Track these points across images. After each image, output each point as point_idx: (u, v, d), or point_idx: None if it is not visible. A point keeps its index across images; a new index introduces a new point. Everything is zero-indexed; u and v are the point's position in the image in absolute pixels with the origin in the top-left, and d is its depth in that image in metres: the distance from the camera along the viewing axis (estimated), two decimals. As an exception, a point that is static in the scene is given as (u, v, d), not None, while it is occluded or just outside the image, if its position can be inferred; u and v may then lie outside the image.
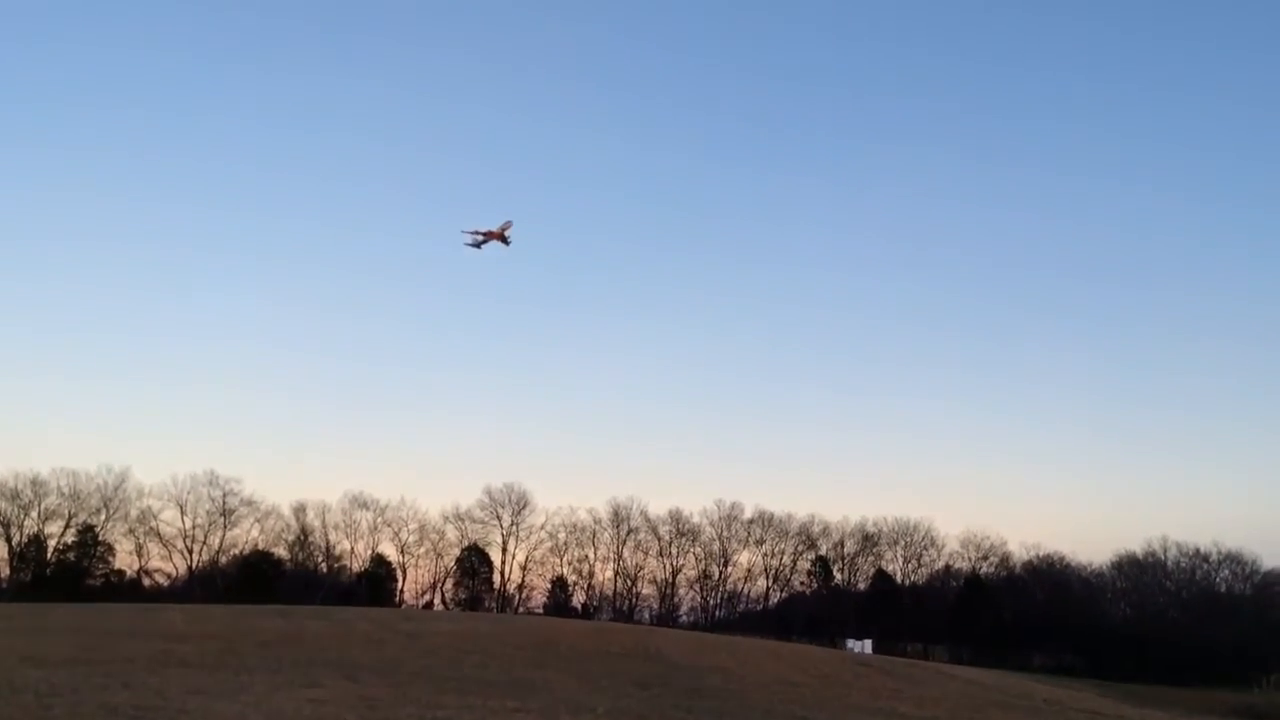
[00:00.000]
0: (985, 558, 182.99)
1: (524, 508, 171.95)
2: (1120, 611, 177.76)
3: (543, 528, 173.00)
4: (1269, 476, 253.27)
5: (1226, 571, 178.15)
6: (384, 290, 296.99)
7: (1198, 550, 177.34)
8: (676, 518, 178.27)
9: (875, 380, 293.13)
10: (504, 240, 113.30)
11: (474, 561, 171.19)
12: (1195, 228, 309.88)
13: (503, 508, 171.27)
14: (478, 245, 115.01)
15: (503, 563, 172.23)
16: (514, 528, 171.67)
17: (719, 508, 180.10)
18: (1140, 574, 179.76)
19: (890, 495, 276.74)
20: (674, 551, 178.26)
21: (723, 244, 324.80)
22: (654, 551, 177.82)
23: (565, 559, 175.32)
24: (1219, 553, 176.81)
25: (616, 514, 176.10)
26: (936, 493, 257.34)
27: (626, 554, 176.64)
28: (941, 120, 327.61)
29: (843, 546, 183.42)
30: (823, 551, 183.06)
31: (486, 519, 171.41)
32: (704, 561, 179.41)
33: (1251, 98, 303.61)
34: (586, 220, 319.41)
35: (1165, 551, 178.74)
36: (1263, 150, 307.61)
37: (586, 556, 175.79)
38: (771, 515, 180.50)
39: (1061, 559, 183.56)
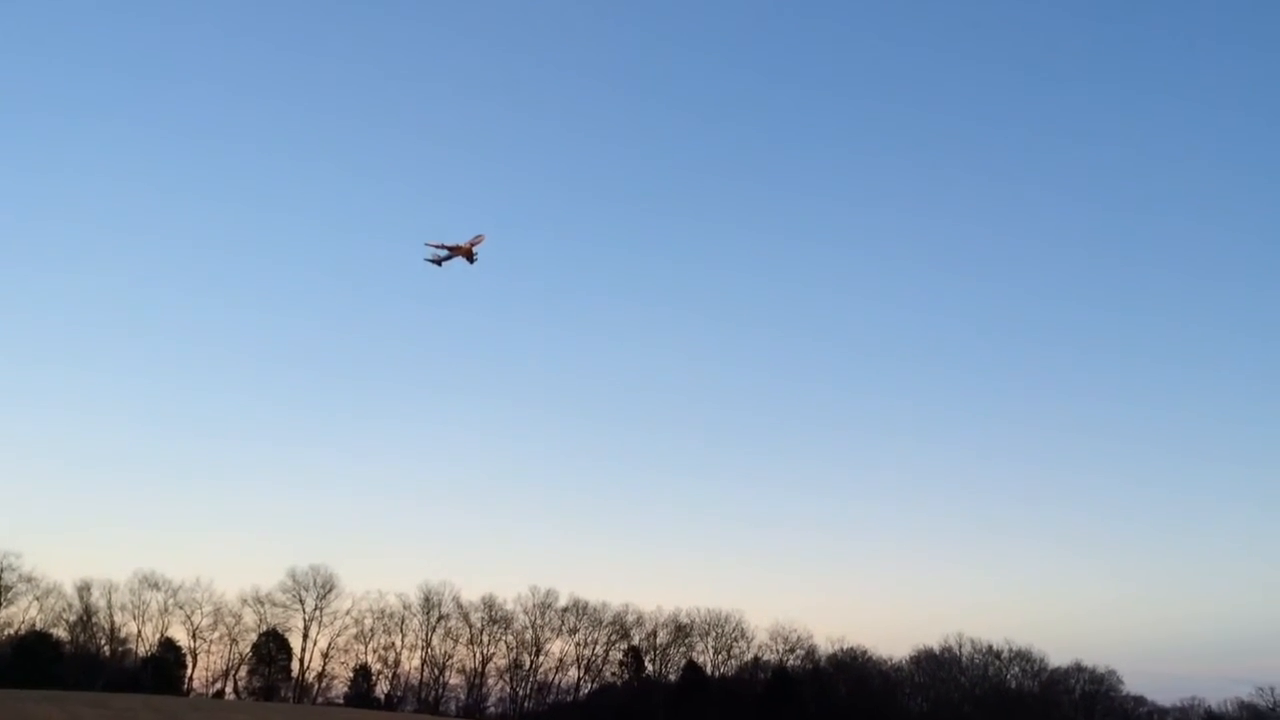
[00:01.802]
0: (793, 650, 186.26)
1: (330, 591, 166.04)
2: (918, 706, 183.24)
3: (348, 613, 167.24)
4: (1055, 577, 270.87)
5: (1017, 668, 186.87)
6: (185, 357, 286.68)
7: (990, 647, 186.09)
8: (490, 604, 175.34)
9: (691, 469, 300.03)
10: (469, 258, 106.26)
11: (272, 648, 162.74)
12: (977, 359, 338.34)
13: (306, 591, 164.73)
14: (438, 262, 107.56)
15: (303, 650, 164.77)
16: (318, 612, 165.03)
17: (534, 594, 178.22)
18: (937, 669, 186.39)
19: (704, 585, 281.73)
20: (485, 639, 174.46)
21: (530, 340, 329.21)
22: (464, 639, 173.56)
23: (370, 646, 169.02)
24: (1010, 650, 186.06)
25: (428, 599, 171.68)
26: (748, 584, 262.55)
27: (436, 641, 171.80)
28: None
29: (655, 636, 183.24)
30: (635, 641, 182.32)
31: (288, 603, 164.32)
32: (516, 650, 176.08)
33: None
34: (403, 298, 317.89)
35: (961, 647, 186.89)
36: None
37: (393, 644, 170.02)
38: (586, 604, 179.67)
39: (864, 652, 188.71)
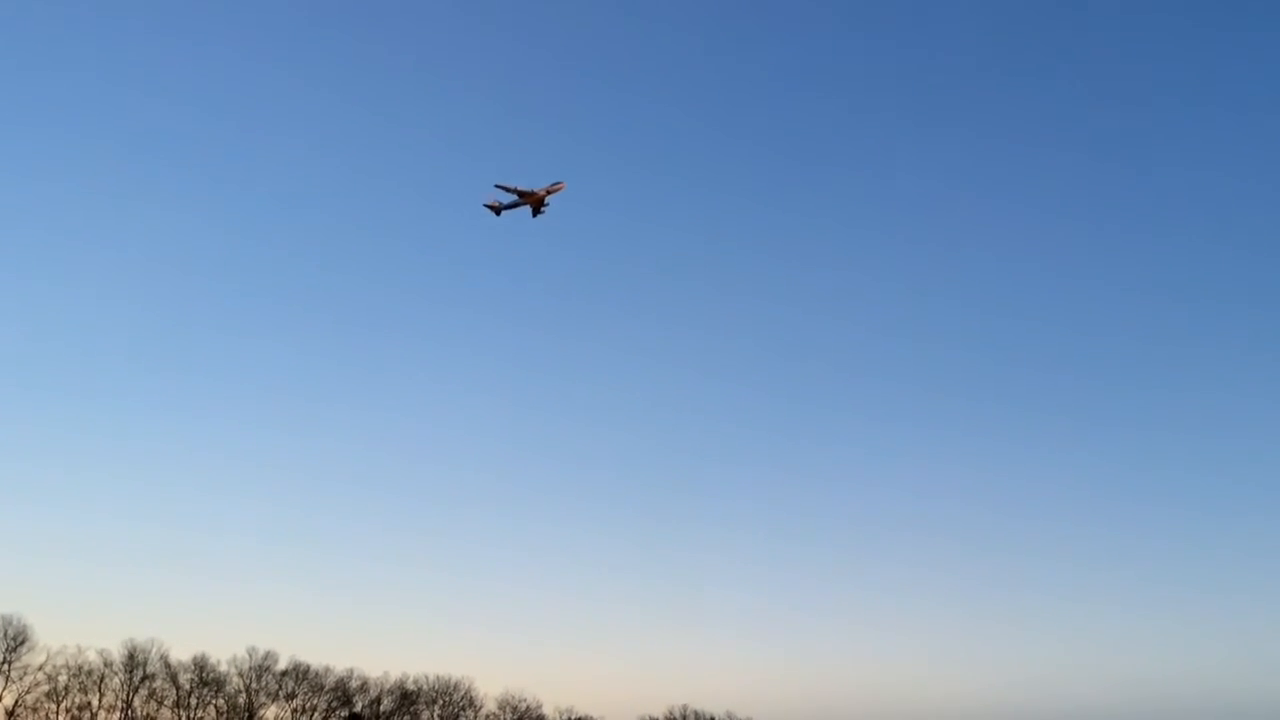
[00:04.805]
0: (521, 719, 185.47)
1: (21, 644, 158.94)
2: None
3: (41, 668, 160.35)
4: (779, 651, 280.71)
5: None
6: None
7: (713, 718, 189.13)
8: (201, 665, 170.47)
9: (423, 527, 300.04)
10: (538, 208, 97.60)
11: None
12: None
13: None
14: (497, 210, 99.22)
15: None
16: (5, 667, 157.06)
17: (251, 656, 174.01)
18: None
19: (434, 650, 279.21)
20: (193, 702, 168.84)
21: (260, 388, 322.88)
22: (170, 701, 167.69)
23: (64, 706, 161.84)
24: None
25: (132, 657, 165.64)
26: (480, 649, 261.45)
27: (138, 703, 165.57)
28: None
29: (380, 704, 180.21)
30: (358, 709, 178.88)
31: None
32: (226, 715, 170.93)
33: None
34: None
35: (685, 718, 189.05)
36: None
37: (90, 704, 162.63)
38: (308, 668, 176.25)
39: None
